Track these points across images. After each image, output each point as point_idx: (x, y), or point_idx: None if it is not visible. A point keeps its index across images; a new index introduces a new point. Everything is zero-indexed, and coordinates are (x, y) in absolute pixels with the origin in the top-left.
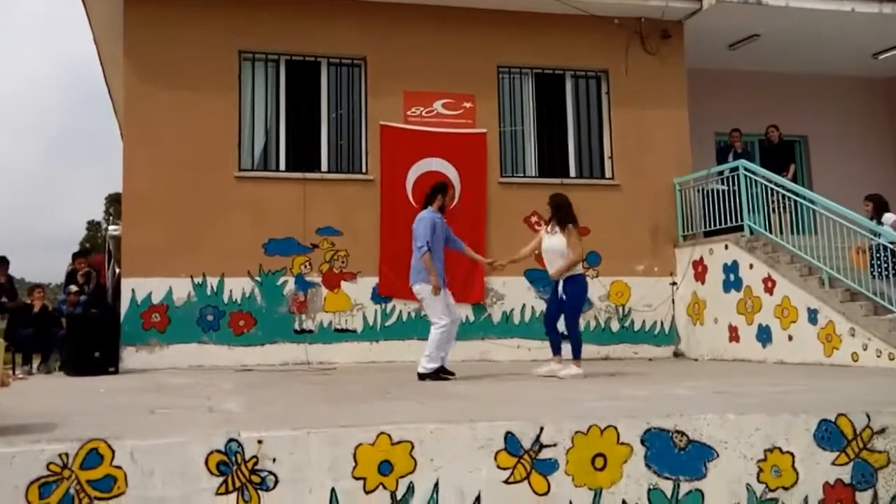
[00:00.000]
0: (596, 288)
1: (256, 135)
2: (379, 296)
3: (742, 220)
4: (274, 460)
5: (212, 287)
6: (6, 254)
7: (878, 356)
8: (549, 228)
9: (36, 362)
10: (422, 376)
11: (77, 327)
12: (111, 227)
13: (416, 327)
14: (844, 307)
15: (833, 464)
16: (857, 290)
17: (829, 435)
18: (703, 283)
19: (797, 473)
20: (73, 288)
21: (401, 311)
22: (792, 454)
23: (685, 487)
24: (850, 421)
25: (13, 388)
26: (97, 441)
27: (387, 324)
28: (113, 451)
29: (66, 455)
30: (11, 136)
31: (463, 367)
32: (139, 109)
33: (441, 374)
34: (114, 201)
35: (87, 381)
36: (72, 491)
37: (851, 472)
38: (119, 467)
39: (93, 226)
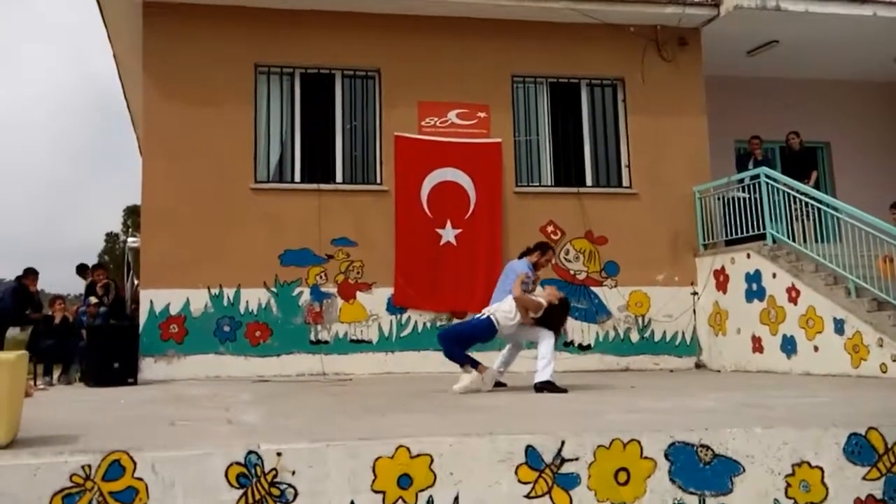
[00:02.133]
0: (615, 298)
1: (272, 147)
2: (394, 306)
3: (764, 229)
4: (293, 473)
5: (228, 298)
6: (27, 265)
7: None
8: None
9: (56, 373)
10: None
11: (97, 338)
12: (130, 239)
13: (432, 338)
14: (872, 317)
15: (864, 479)
16: (886, 300)
17: (859, 449)
18: (724, 292)
19: (827, 489)
20: (93, 299)
21: (416, 322)
22: (821, 469)
23: (711, 503)
24: (882, 435)
25: (35, 399)
26: (119, 453)
27: (402, 334)
28: (135, 463)
29: (89, 467)
30: (31, 147)
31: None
32: (158, 122)
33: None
34: (132, 213)
35: (107, 392)
36: (94, 502)
37: (883, 488)
38: (141, 479)
39: (111, 237)
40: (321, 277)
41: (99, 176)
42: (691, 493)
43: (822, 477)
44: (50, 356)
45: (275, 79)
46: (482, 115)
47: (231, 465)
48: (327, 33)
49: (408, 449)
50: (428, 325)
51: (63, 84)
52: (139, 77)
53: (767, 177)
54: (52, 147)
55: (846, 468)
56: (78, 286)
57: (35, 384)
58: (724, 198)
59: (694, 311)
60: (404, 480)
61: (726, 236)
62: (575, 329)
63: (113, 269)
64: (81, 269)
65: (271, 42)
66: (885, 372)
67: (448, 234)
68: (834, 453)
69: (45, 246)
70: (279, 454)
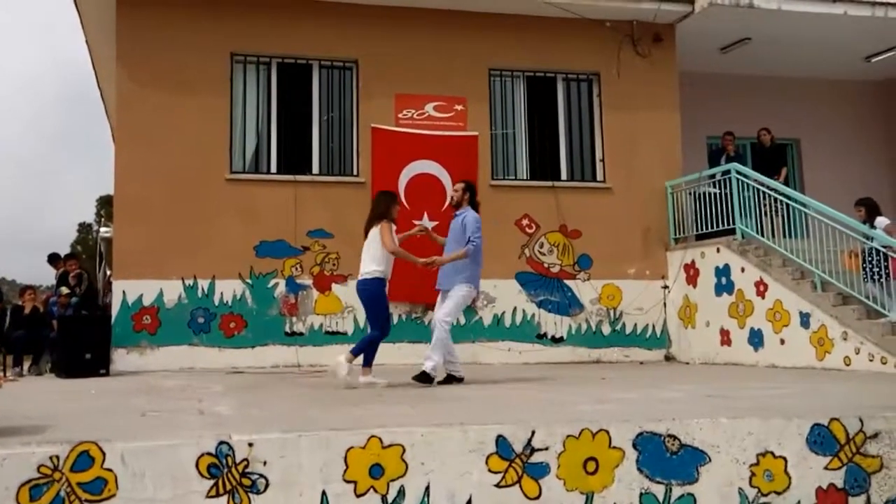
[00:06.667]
0: (587, 291)
1: (248, 137)
2: None
3: (734, 224)
4: (265, 463)
5: (203, 289)
6: None
7: (871, 360)
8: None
9: (27, 364)
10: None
11: (68, 329)
12: (102, 229)
13: (407, 330)
14: (837, 311)
15: (826, 468)
16: (850, 294)
17: (821, 439)
18: (694, 286)
19: (790, 478)
20: (65, 290)
21: (391, 315)
22: (784, 459)
23: (677, 492)
24: (843, 425)
25: (4, 390)
26: (88, 443)
27: None
28: (104, 454)
29: (57, 457)
30: (1, 134)
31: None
32: (131, 111)
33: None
34: (105, 203)
35: (78, 383)
36: (62, 493)
37: (844, 477)
38: (110, 470)
39: (84, 228)
40: (297, 269)
41: (72, 165)
42: (658, 482)
43: (786, 466)
44: (20, 347)
45: (251, 68)
46: (459, 108)
47: (202, 455)
48: (305, 23)
49: (380, 439)
50: (403, 317)
51: (35, 71)
52: (112, 65)
53: (738, 172)
54: (24, 135)
55: (809, 458)
56: (49, 276)
57: (5, 375)
58: (695, 193)
59: (664, 304)
60: (376, 470)
61: (697, 231)
62: (548, 321)
63: (86, 259)
64: (53, 259)
65: (248, 31)
66: (848, 365)
67: (425, 226)
68: (797, 443)
69: (17, 235)
70: (251, 444)
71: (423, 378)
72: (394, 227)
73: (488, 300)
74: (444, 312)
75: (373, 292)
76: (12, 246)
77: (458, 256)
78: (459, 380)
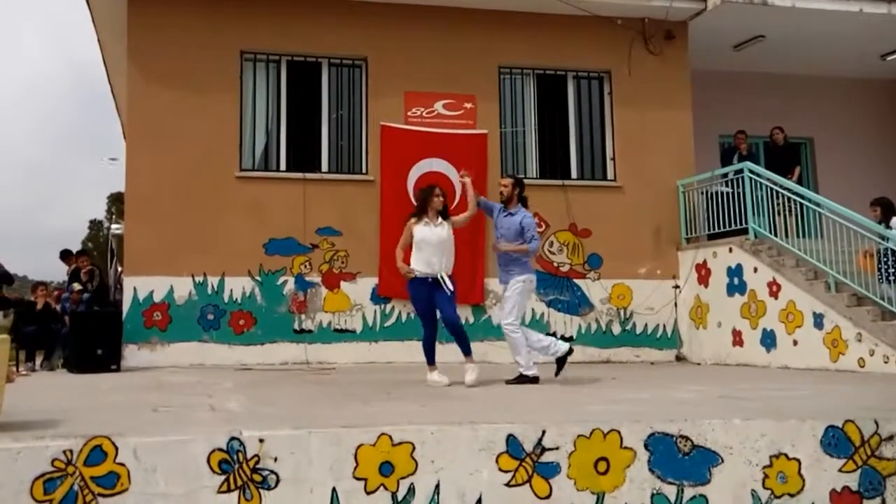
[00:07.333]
0: (597, 290)
1: (257, 135)
2: (378, 296)
3: (746, 223)
4: (275, 459)
5: (212, 286)
6: (10, 251)
7: (886, 362)
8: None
9: (39, 359)
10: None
11: (80, 325)
12: (114, 226)
13: (416, 328)
14: (851, 312)
15: (840, 471)
16: (865, 295)
17: (836, 441)
18: (706, 286)
19: (803, 480)
20: (77, 286)
21: (400, 312)
22: (798, 461)
23: (689, 493)
24: (858, 427)
25: (17, 385)
26: (101, 438)
27: (386, 324)
28: (116, 448)
29: (71, 451)
30: (14, 133)
31: (462, 369)
32: (142, 109)
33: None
34: (116, 200)
35: (90, 379)
36: (76, 487)
37: (859, 480)
38: (122, 464)
39: (95, 224)
40: (305, 267)
41: (83, 162)
42: (670, 483)
43: (799, 468)
44: (32, 342)
45: (261, 66)
46: (469, 105)
47: (213, 451)
48: (314, 21)
49: (390, 437)
50: (412, 315)
51: (48, 69)
52: (124, 63)
53: (751, 171)
54: (35, 133)
55: (823, 460)
56: (60, 273)
57: (17, 370)
58: (707, 192)
59: (675, 304)
60: (386, 468)
61: (709, 230)
62: (557, 321)
63: (97, 255)
64: (65, 256)
65: (258, 29)
66: (862, 366)
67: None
68: (811, 445)
69: (29, 232)
70: (261, 441)
71: (521, 381)
72: (426, 220)
73: (497, 299)
74: (504, 320)
75: (408, 291)
76: (23, 242)
77: (519, 250)
78: (568, 352)
